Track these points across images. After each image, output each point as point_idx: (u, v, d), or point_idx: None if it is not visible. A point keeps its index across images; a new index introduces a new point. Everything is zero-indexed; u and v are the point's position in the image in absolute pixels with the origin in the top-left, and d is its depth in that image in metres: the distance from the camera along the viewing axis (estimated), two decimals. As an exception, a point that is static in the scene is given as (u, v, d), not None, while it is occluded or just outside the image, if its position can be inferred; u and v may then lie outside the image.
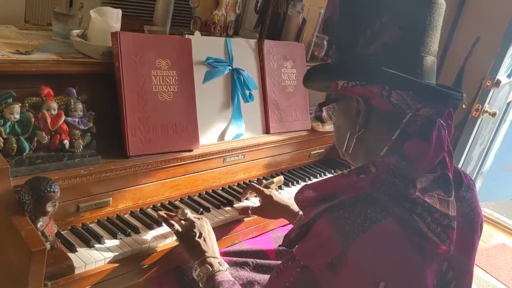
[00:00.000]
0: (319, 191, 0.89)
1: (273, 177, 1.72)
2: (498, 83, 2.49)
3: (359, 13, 0.91)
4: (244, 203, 1.54)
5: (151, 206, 1.41)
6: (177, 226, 1.24)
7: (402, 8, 0.87)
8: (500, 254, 3.10)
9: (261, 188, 1.51)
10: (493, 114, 2.57)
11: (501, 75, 2.54)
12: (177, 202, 1.46)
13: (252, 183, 1.60)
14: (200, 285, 1.15)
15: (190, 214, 1.28)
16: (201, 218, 1.30)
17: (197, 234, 1.22)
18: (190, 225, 1.25)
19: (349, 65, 0.91)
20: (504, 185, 3.94)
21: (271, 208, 1.47)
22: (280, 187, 1.70)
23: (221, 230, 1.42)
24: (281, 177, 1.66)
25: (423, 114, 0.85)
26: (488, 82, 2.49)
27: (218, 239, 1.32)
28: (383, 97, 0.86)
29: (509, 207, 3.83)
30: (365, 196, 0.82)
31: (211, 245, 1.22)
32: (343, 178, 0.87)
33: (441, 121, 0.87)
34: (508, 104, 3.04)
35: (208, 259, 1.17)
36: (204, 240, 1.22)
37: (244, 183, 1.68)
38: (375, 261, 0.78)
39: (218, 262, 1.17)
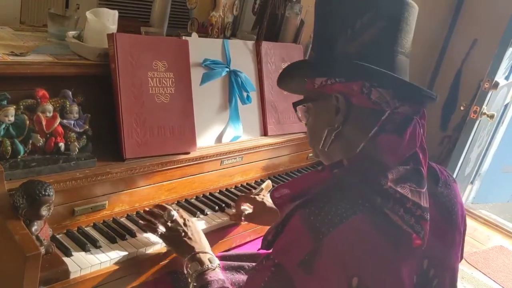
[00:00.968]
0: (293, 188, 0.89)
1: (273, 181, 1.71)
2: (496, 85, 2.49)
3: (340, 12, 0.91)
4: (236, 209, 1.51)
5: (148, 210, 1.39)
6: (160, 230, 1.24)
7: (381, 7, 0.88)
8: (498, 256, 3.10)
9: (253, 196, 1.49)
10: (491, 116, 2.57)
11: (499, 77, 2.54)
12: (173, 205, 1.45)
13: (243, 194, 1.57)
14: (190, 281, 1.14)
15: (176, 215, 1.27)
16: (187, 219, 1.28)
17: (183, 233, 1.22)
18: (175, 225, 1.24)
19: (329, 63, 0.91)
20: (502, 186, 3.94)
21: (264, 215, 1.45)
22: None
23: (218, 234, 1.41)
24: (269, 182, 1.62)
25: (401, 112, 0.86)
26: (486, 84, 2.49)
27: (214, 243, 1.31)
28: (363, 94, 0.86)
29: (507, 209, 3.83)
30: (335, 188, 0.82)
31: (199, 240, 1.22)
32: (317, 174, 0.88)
33: (418, 119, 0.88)
34: (506, 105, 3.05)
35: (197, 255, 1.16)
36: (191, 236, 1.21)
37: (241, 185, 1.67)
38: (347, 256, 0.77)
39: (209, 259, 1.16)
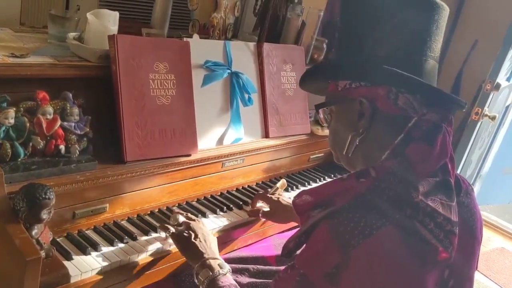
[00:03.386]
0: (316, 196, 0.87)
1: (274, 183, 1.71)
2: (498, 86, 2.49)
3: (369, 14, 0.89)
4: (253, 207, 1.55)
5: (149, 212, 1.38)
6: (172, 229, 1.23)
7: (411, 11, 0.86)
8: (499, 258, 3.09)
9: (269, 196, 1.51)
10: (493, 118, 2.56)
11: (501, 79, 2.53)
12: (175, 208, 1.44)
13: (259, 192, 1.60)
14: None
15: (182, 218, 1.27)
16: (197, 220, 1.28)
17: (193, 235, 1.20)
18: (186, 227, 1.23)
19: (354, 66, 0.89)
20: (502, 188, 3.93)
21: (280, 213, 1.47)
22: (286, 190, 1.68)
23: (219, 237, 1.39)
24: (284, 181, 1.65)
25: (429, 119, 0.84)
26: (488, 86, 2.48)
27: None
28: (390, 100, 0.84)
29: (508, 211, 3.82)
30: (363, 199, 0.80)
31: (209, 245, 1.20)
32: (341, 183, 0.85)
33: (446, 127, 0.86)
34: (507, 107, 3.04)
35: (207, 261, 1.14)
36: (201, 240, 1.19)
37: (243, 188, 1.66)
38: (375, 270, 0.76)
39: (218, 264, 1.14)
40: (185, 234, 1.21)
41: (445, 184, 0.83)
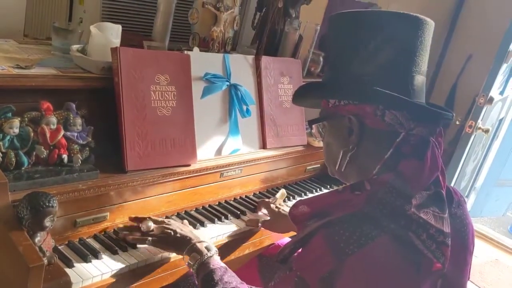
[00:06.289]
0: (313, 207, 0.90)
1: (271, 193, 1.73)
2: (491, 100, 2.53)
3: (353, 34, 0.92)
4: (255, 215, 1.58)
5: (148, 221, 1.40)
6: (149, 238, 1.24)
7: (395, 29, 0.89)
8: (493, 270, 3.11)
9: (270, 204, 1.55)
10: (486, 131, 2.60)
11: (494, 92, 2.58)
12: (173, 217, 1.46)
13: (264, 199, 1.64)
14: (193, 272, 1.16)
15: (151, 223, 1.28)
16: (164, 221, 1.30)
17: (172, 232, 1.24)
18: (162, 229, 1.26)
19: (342, 84, 0.92)
20: (496, 200, 3.96)
21: (280, 223, 1.50)
22: (284, 200, 1.71)
23: (217, 246, 1.41)
24: (283, 191, 1.69)
25: (417, 134, 0.87)
26: (481, 99, 2.53)
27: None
28: (377, 117, 0.87)
29: (502, 223, 3.86)
30: (360, 213, 0.83)
31: (189, 231, 1.24)
32: (337, 195, 0.89)
33: (434, 140, 0.89)
34: (500, 120, 3.08)
35: (194, 246, 1.18)
36: (181, 232, 1.24)
37: (240, 198, 1.69)
38: (370, 277, 0.78)
39: (206, 247, 1.18)
40: (163, 235, 1.24)
41: (438, 196, 0.86)
